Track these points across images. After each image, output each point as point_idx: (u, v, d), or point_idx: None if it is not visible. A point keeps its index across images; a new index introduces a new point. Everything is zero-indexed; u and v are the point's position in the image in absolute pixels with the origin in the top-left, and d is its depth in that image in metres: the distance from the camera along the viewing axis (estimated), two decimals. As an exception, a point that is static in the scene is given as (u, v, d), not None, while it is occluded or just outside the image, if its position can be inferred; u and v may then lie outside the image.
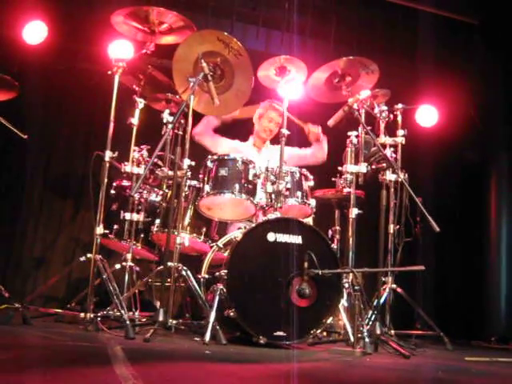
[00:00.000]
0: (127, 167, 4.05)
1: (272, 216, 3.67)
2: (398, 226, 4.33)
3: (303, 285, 3.41)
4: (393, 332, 4.08)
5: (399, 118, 4.41)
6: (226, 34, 3.86)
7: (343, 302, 3.72)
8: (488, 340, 5.46)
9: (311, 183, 4.04)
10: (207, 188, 3.82)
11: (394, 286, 4.23)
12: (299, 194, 3.93)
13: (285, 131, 3.92)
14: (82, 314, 3.50)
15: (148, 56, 4.30)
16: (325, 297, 3.52)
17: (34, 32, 4.49)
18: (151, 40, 4.12)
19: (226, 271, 3.40)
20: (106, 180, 3.77)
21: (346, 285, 3.74)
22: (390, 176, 4.15)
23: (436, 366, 3.28)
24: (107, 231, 4.07)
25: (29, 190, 5.55)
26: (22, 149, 5.05)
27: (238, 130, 5.10)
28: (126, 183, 4.46)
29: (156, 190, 4.37)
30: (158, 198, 4.33)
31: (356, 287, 3.57)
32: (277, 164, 3.82)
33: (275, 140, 4.78)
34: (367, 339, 3.35)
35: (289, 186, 3.87)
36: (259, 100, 4.92)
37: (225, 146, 4.92)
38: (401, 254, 4.30)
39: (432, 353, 3.95)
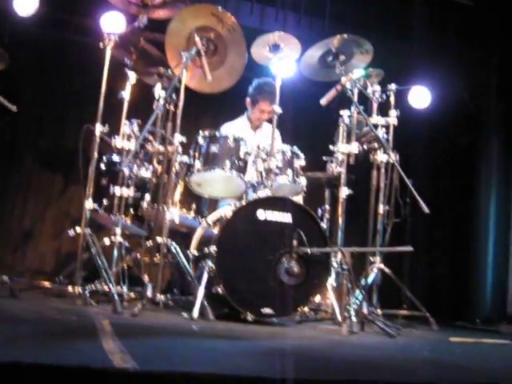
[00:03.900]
0: (117, 141, 4.02)
1: (262, 194, 3.67)
2: (387, 207, 4.34)
3: (292, 263, 3.43)
4: (380, 312, 4.12)
5: (392, 99, 4.40)
6: (220, 8, 3.83)
7: (331, 281, 3.74)
8: (473, 321, 5.52)
9: (302, 162, 4.03)
10: (198, 164, 3.81)
11: (382, 265, 4.24)
12: (290, 172, 3.92)
13: (277, 109, 3.90)
14: (71, 288, 3.51)
15: (141, 30, 4.24)
16: (313, 275, 3.53)
17: (25, 3, 4.41)
18: (144, 13, 4.07)
19: (215, 248, 3.40)
20: (96, 154, 3.74)
21: (335, 264, 3.76)
22: (381, 156, 4.16)
23: (421, 346, 3.31)
24: (97, 205, 4.06)
25: (18, 163, 5.51)
26: (11, 121, 5.01)
27: (230, 106, 5.04)
28: (116, 158, 4.43)
29: (146, 165, 4.34)
30: (149, 174, 4.30)
31: (344, 266, 3.59)
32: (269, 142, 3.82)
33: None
34: (354, 318, 3.38)
35: (280, 164, 3.87)
36: (252, 76, 4.86)
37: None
38: (389, 234, 4.31)
39: (418, 333, 3.99)
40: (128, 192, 4.15)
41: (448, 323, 4.90)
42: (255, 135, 4.78)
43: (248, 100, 4.84)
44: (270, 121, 4.60)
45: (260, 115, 4.79)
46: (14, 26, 5.07)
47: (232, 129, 4.74)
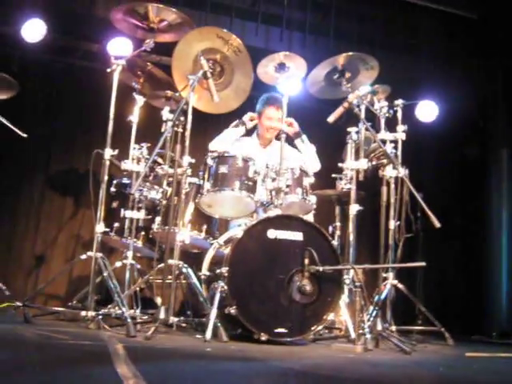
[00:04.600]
0: (127, 165, 4.05)
1: (272, 213, 3.67)
2: (398, 222, 4.32)
3: (304, 281, 3.42)
4: (394, 328, 4.08)
5: (399, 114, 4.41)
6: (225, 30, 3.86)
7: (344, 299, 3.73)
8: (489, 335, 5.47)
9: (311, 180, 4.03)
10: (207, 185, 3.82)
11: (395, 281, 4.22)
12: (299, 190, 3.92)
13: (285, 128, 3.92)
14: (84, 312, 3.51)
15: (147, 53, 4.29)
16: (326, 293, 3.52)
17: (33, 30, 4.48)
18: (151, 37, 4.12)
19: (226, 268, 3.40)
20: (106, 178, 3.77)
21: (347, 281, 3.75)
22: (390, 172, 4.15)
23: (437, 362, 3.28)
24: (108, 229, 4.08)
25: (29, 188, 5.56)
26: (22, 147, 5.05)
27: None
28: (126, 181, 4.46)
29: (156, 187, 4.36)
30: (159, 196, 4.33)
31: (357, 283, 3.57)
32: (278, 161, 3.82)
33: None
34: (368, 335, 3.35)
35: (289, 182, 3.87)
36: (259, 96, 4.89)
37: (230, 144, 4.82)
38: (401, 249, 4.29)
39: (433, 348, 3.95)
40: (138, 214, 4.18)
41: (463, 337, 4.85)
42: (265, 152, 4.77)
43: (256, 116, 4.83)
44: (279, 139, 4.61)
45: (269, 124, 4.72)
46: (23, 53, 5.15)
47: (223, 143, 4.67)
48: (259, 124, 4.83)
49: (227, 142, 4.67)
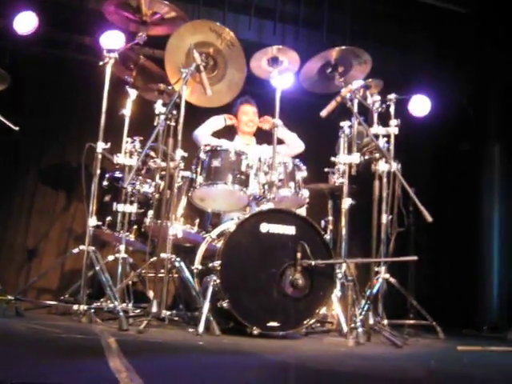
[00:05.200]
0: (119, 158, 4.04)
1: (265, 207, 3.67)
2: (390, 216, 4.33)
3: (296, 275, 3.42)
4: (385, 322, 4.10)
5: (392, 108, 4.41)
6: (218, 24, 3.85)
7: (336, 293, 3.73)
8: (480, 329, 5.50)
9: (304, 174, 4.04)
10: (200, 179, 3.81)
11: (387, 275, 4.23)
12: (292, 184, 3.93)
13: (278, 122, 3.91)
14: (76, 306, 3.50)
15: (140, 46, 4.27)
16: (318, 287, 3.52)
17: (25, 22, 4.45)
18: (143, 30, 4.10)
19: (219, 262, 3.40)
20: (98, 171, 3.76)
21: (339, 275, 3.76)
22: (382, 166, 4.15)
23: (428, 355, 3.30)
24: (100, 223, 4.07)
25: (21, 181, 5.53)
26: (14, 140, 5.02)
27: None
28: (118, 174, 4.45)
29: (149, 181, 4.36)
30: (151, 190, 4.32)
31: (349, 277, 3.58)
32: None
33: (262, 140, 4.84)
34: (360, 329, 3.37)
35: (282, 176, 3.87)
36: (251, 90, 4.90)
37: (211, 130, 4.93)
38: (393, 244, 4.30)
39: (424, 342, 3.97)
40: (131, 208, 4.17)
41: (455, 331, 4.87)
42: (250, 149, 4.78)
43: (233, 116, 4.94)
44: (263, 141, 4.69)
45: (246, 118, 4.91)
46: (15, 46, 5.12)
47: (205, 130, 4.83)
48: (238, 122, 4.97)
49: (209, 128, 4.85)
